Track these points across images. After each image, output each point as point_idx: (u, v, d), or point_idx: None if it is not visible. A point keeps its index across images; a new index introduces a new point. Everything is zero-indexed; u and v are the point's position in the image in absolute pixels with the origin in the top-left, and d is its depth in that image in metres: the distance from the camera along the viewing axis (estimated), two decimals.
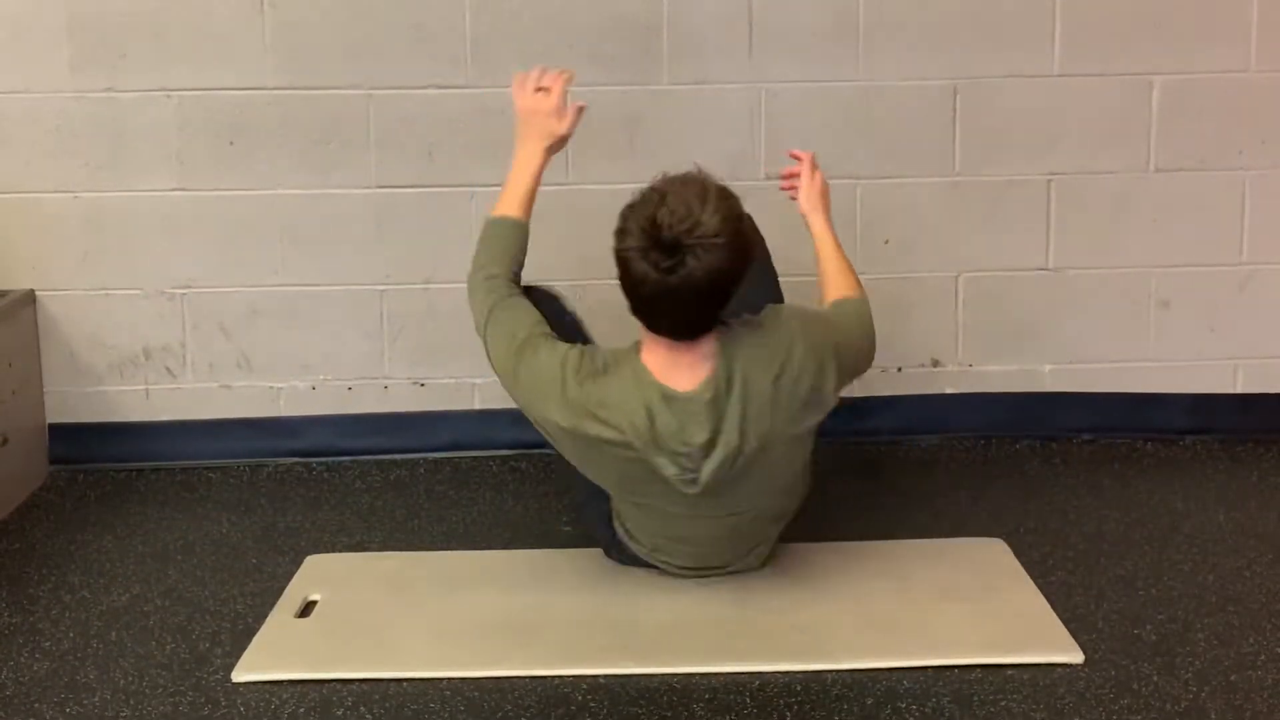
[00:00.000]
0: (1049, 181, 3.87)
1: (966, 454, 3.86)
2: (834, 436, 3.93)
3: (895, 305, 3.91)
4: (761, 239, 3.14)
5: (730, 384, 2.74)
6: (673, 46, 3.79)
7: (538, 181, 3.08)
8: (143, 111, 3.77)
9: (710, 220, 2.67)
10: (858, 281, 3.11)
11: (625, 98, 3.79)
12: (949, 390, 3.96)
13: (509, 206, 3.06)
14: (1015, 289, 3.91)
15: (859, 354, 3.01)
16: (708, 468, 2.76)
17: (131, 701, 2.63)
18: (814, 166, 3.24)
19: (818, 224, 3.21)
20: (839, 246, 3.18)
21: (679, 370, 2.76)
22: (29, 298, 3.81)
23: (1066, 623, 2.83)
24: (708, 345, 2.76)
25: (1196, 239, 3.91)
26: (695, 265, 2.66)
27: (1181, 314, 3.93)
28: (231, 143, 3.79)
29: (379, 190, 3.83)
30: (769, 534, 3.01)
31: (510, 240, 3.03)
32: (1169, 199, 3.88)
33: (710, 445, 2.74)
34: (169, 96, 3.77)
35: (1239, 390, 3.97)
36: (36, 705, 2.62)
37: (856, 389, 3.93)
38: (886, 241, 3.89)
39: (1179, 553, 3.20)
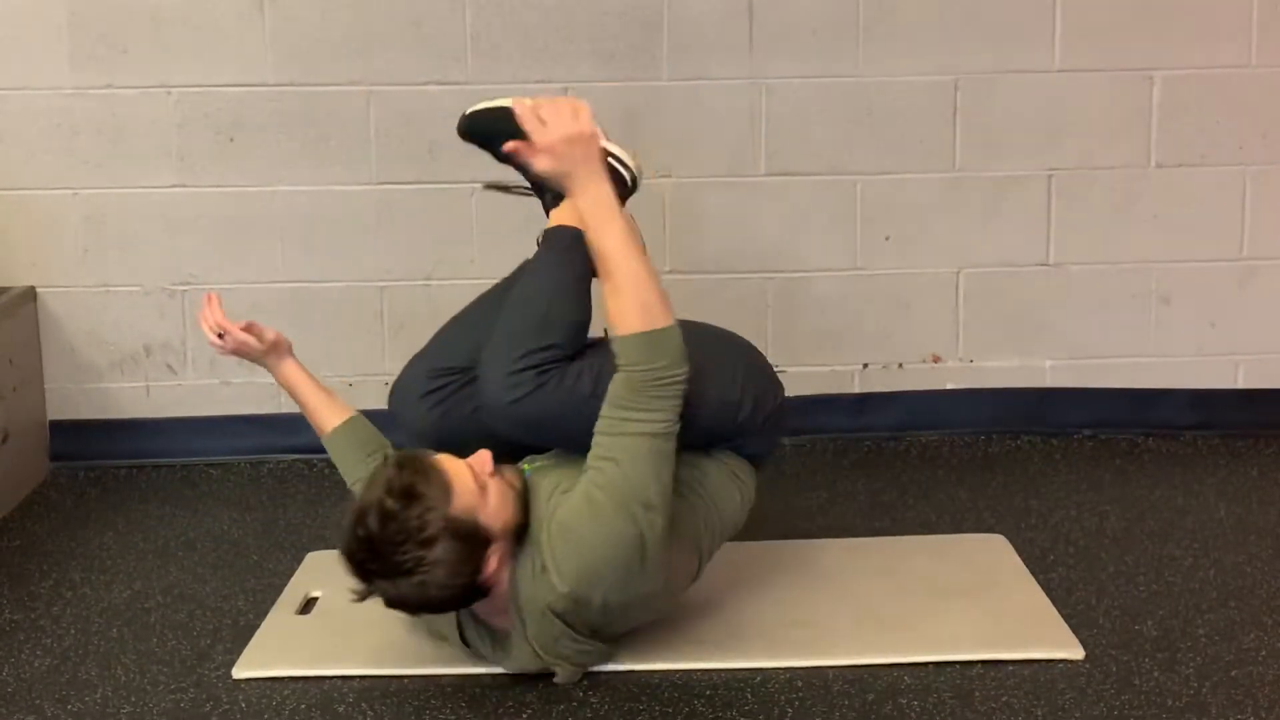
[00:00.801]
0: (1049, 177, 3.87)
1: (967, 450, 3.86)
2: (835, 432, 3.94)
3: (896, 301, 3.91)
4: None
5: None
6: (672, 42, 3.78)
7: None
8: (143, 108, 3.77)
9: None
10: (618, 303, 2.56)
11: (625, 94, 3.79)
12: (950, 386, 3.96)
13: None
14: (1016, 285, 3.91)
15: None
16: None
17: (133, 698, 2.63)
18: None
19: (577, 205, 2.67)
20: (620, 247, 2.61)
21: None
22: (29, 294, 3.81)
23: (1067, 618, 2.83)
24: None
25: (1197, 234, 3.90)
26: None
27: (1182, 309, 3.93)
28: (232, 139, 3.79)
29: (379, 187, 3.83)
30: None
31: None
32: (1170, 194, 3.88)
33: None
34: (169, 93, 3.77)
35: (1240, 386, 3.97)
36: (38, 702, 2.62)
37: (858, 385, 3.94)
38: (887, 238, 3.89)
39: (1180, 548, 3.20)
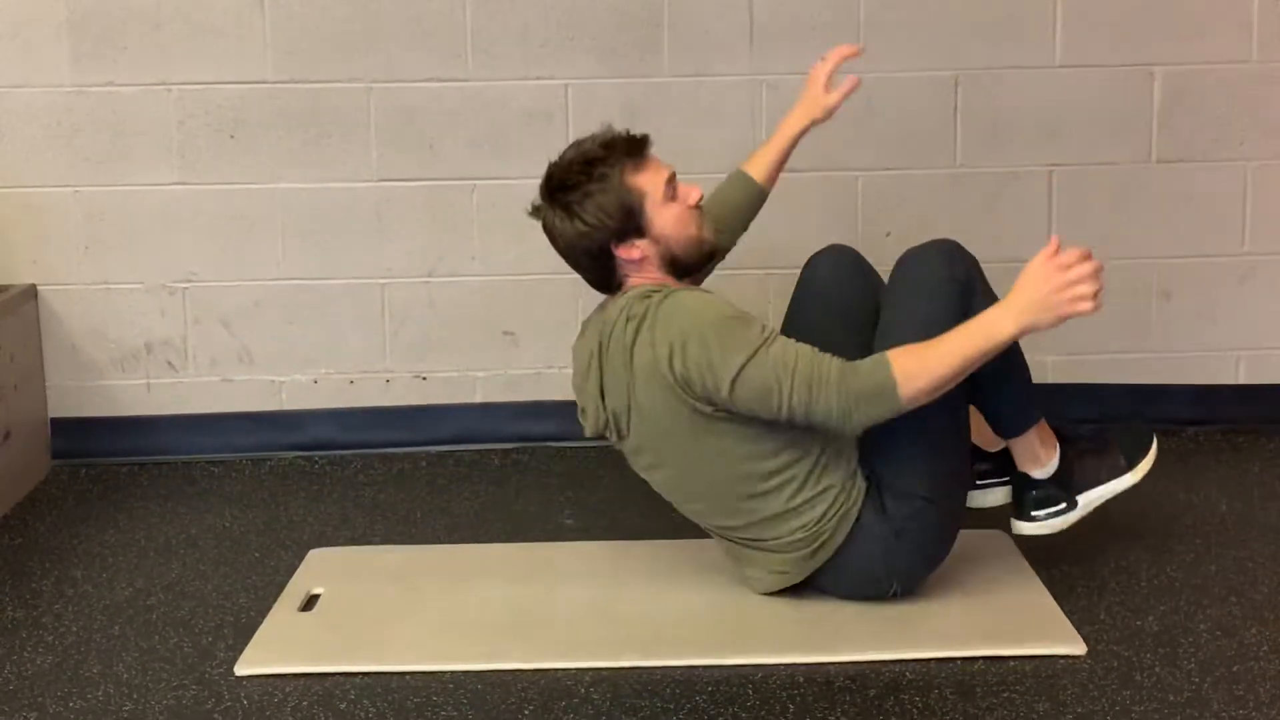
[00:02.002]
0: (1050, 173, 3.87)
1: None
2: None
3: None
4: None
5: (602, 345, 2.80)
6: (673, 39, 3.78)
7: None
8: (143, 105, 3.77)
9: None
10: (921, 366, 2.63)
11: (625, 90, 3.79)
12: None
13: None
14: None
15: (728, 375, 2.65)
16: (587, 422, 2.87)
17: (135, 695, 2.63)
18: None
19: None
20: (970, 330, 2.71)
21: (595, 323, 2.87)
22: (30, 292, 3.81)
23: (1069, 614, 2.83)
24: (615, 303, 2.82)
25: (1198, 230, 3.90)
26: (551, 222, 2.84)
27: (1183, 305, 3.93)
28: (232, 136, 3.79)
29: (380, 184, 3.83)
30: (730, 516, 2.83)
31: None
32: (1170, 190, 3.88)
33: (590, 396, 2.85)
34: (169, 90, 3.77)
35: (1241, 381, 3.97)
36: (40, 699, 2.62)
37: None
38: (888, 234, 3.88)
39: (1181, 544, 3.20)
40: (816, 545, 2.79)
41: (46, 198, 3.80)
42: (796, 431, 2.72)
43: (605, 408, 2.81)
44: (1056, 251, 2.66)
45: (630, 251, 2.80)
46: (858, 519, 2.78)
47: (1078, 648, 2.70)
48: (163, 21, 3.73)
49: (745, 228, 3.24)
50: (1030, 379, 2.95)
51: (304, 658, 2.73)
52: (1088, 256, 2.62)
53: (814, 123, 3.20)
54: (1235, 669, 2.63)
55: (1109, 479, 2.98)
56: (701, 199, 2.87)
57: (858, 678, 2.62)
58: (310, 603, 2.98)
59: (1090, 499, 2.98)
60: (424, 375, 3.90)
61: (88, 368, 3.88)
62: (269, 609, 2.94)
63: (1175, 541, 3.21)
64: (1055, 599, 2.89)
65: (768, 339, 2.67)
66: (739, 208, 3.21)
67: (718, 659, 2.69)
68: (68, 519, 3.50)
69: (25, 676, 2.71)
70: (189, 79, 3.76)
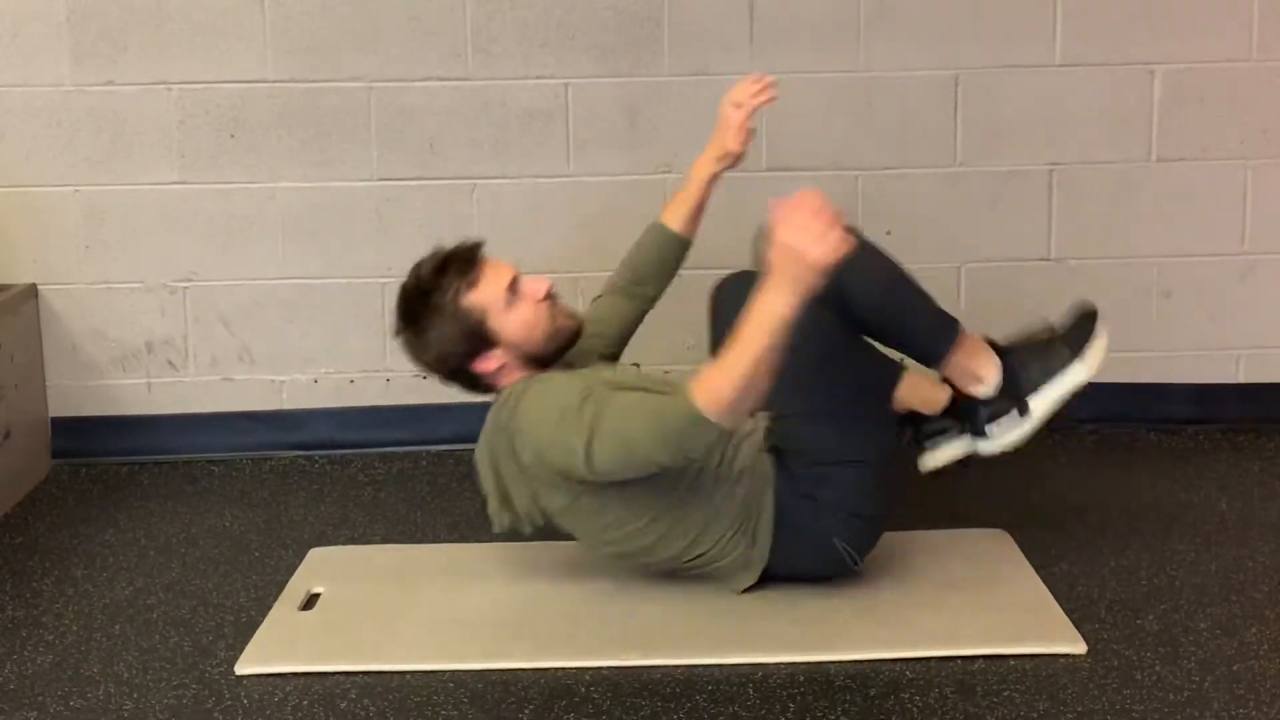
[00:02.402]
0: (1050, 172, 3.87)
1: None
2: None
3: None
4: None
5: (494, 454, 2.89)
6: (673, 37, 3.78)
7: None
8: (143, 105, 3.77)
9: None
10: (721, 377, 2.54)
11: (626, 89, 3.79)
12: None
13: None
14: (1017, 279, 3.91)
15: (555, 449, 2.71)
16: (503, 521, 2.93)
17: (135, 694, 2.63)
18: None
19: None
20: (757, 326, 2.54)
21: (484, 431, 2.93)
22: (30, 292, 3.81)
23: (1069, 613, 2.83)
24: (492, 410, 2.92)
25: (1198, 229, 3.90)
26: (407, 350, 2.93)
27: (1183, 304, 3.93)
28: (232, 136, 3.79)
29: (380, 183, 3.83)
30: (664, 550, 2.87)
31: None
32: (1171, 189, 3.88)
33: (496, 498, 2.92)
34: (169, 89, 3.77)
35: (1241, 380, 3.97)
36: (40, 698, 2.62)
37: None
38: (888, 232, 3.88)
39: (1181, 542, 3.20)
40: (750, 536, 2.83)
41: (47, 197, 3.80)
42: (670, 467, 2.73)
43: (517, 509, 2.87)
44: (785, 218, 2.53)
45: (487, 364, 2.85)
46: (777, 502, 2.80)
47: (1078, 647, 2.70)
48: (163, 21, 3.74)
49: (671, 276, 3.22)
50: (929, 303, 2.87)
51: (304, 657, 2.74)
52: (809, 200, 2.52)
53: (724, 168, 3.16)
54: (1236, 668, 2.63)
55: (1058, 373, 2.88)
56: (551, 290, 2.86)
57: (858, 677, 2.62)
58: (310, 602, 2.98)
59: (1043, 400, 2.88)
60: (424, 375, 3.89)
61: (88, 367, 3.88)
62: (269, 608, 2.94)
63: (1175, 540, 3.21)
64: (1055, 598, 2.89)
65: (600, 412, 2.66)
66: (659, 261, 3.20)
67: (718, 658, 2.69)
68: (68, 518, 3.50)
69: (26, 676, 2.71)
70: (189, 78, 3.76)
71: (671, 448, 2.63)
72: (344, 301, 3.87)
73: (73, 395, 3.88)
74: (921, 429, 2.95)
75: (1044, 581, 2.97)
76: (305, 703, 2.58)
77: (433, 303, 2.82)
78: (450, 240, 3.88)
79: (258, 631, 2.84)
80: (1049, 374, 2.88)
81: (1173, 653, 2.69)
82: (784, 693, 2.57)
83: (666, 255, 3.20)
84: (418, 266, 2.87)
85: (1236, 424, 3.92)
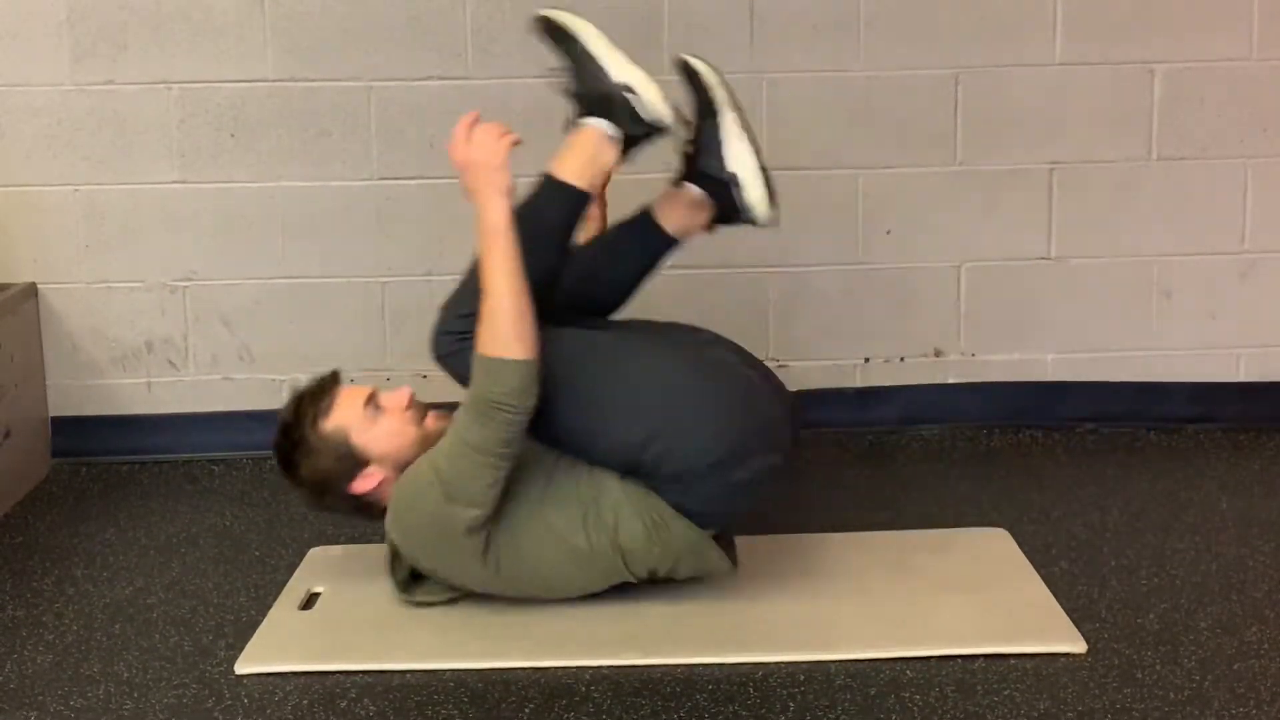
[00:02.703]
0: (1051, 170, 3.87)
1: (969, 443, 3.86)
2: (837, 426, 3.94)
3: (897, 295, 3.91)
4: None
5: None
6: (673, 36, 3.78)
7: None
8: (143, 104, 3.77)
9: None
10: (487, 314, 2.68)
11: None
12: (951, 380, 3.96)
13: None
14: (1017, 278, 3.91)
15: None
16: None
17: (135, 694, 2.63)
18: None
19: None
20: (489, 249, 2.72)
21: None
22: (30, 291, 3.81)
23: (1069, 612, 2.83)
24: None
25: (1198, 227, 3.90)
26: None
27: (1184, 302, 3.93)
28: (232, 135, 3.79)
29: (380, 182, 3.83)
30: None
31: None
32: (1171, 187, 3.88)
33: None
34: (169, 89, 3.77)
35: (1241, 379, 3.97)
36: (40, 698, 2.62)
37: (859, 379, 3.94)
38: (888, 231, 3.89)
39: (1182, 541, 3.20)
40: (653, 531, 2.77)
41: (47, 196, 3.80)
42: (550, 485, 2.75)
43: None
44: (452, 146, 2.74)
45: (366, 483, 2.82)
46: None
47: (1078, 646, 2.70)
48: (163, 20, 3.73)
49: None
50: (541, 211, 2.82)
51: (304, 656, 2.73)
52: (462, 121, 2.75)
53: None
54: (1236, 667, 2.63)
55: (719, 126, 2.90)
56: (412, 397, 2.86)
57: (858, 676, 2.62)
58: (310, 601, 2.98)
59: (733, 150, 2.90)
60: (424, 374, 3.88)
61: (88, 366, 3.88)
62: (269, 607, 2.94)
63: (1176, 539, 3.21)
64: (1055, 597, 2.89)
65: (436, 464, 2.70)
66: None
67: (718, 657, 2.69)
68: (68, 518, 3.50)
69: (26, 675, 2.71)
70: (189, 77, 3.76)
71: (499, 414, 2.63)
72: (344, 301, 3.87)
73: (73, 394, 3.88)
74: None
75: (1044, 580, 2.97)
76: (305, 702, 2.58)
77: (296, 440, 2.81)
78: (452, 237, 3.90)
79: (258, 631, 2.84)
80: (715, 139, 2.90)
81: (1173, 652, 2.69)
82: (784, 692, 2.57)
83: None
84: (283, 410, 2.86)
85: (1237, 423, 3.92)
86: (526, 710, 2.53)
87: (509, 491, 2.72)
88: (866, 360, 3.94)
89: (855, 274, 3.89)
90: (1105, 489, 3.52)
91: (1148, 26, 3.81)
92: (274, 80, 3.78)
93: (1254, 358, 3.96)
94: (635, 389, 2.74)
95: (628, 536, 2.74)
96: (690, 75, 2.92)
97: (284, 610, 2.93)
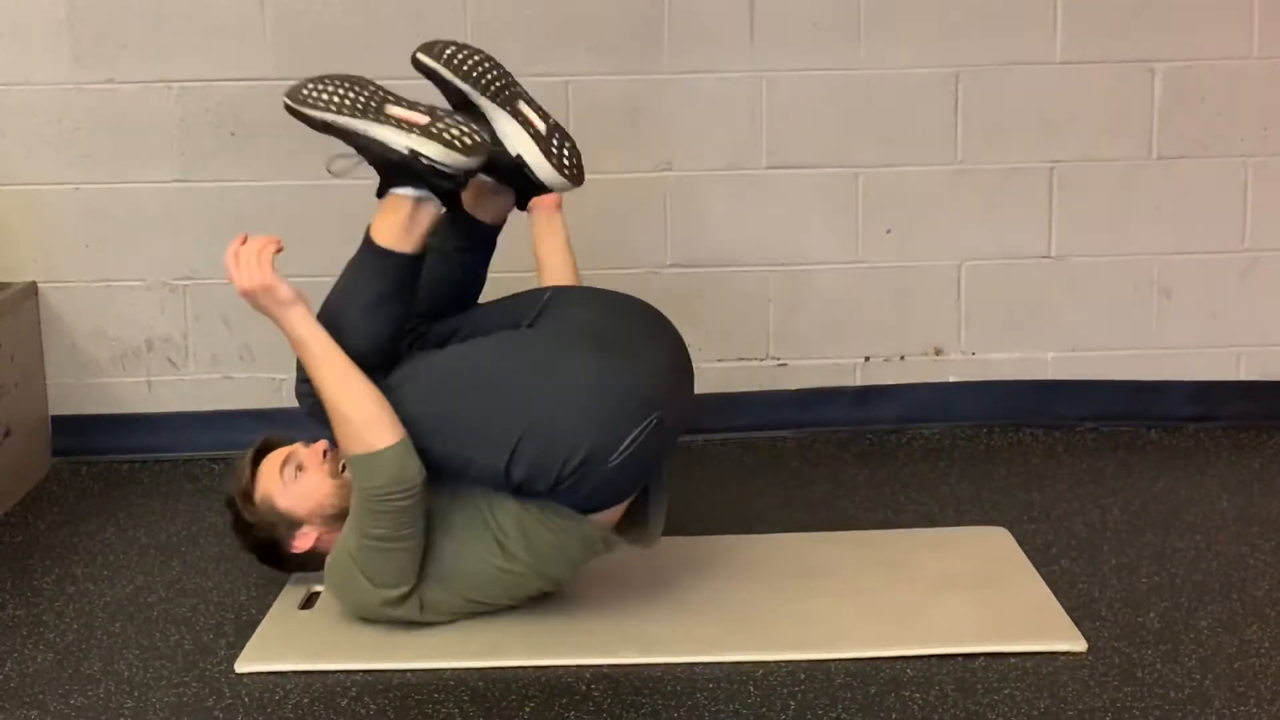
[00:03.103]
0: (1051, 169, 3.87)
1: (969, 442, 3.85)
2: (837, 425, 3.94)
3: (897, 294, 3.91)
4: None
5: None
6: (673, 35, 3.78)
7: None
8: (143, 103, 3.77)
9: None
10: (334, 412, 2.75)
11: (626, 87, 3.79)
12: (952, 379, 3.96)
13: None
14: (1018, 277, 3.91)
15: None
16: None
17: (135, 692, 2.63)
18: None
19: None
20: None
21: None
22: (30, 290, 3.81)
23: (1069, 611, 2.83)
24: None
25: (1199, 226, 3.90)
26: None
27: (1184, 301, 3.93)
28: (233, 134, 3.79)
29: None
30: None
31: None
32: (1171, 186, 3.88)
33: None
34: (170, 88, 3.77)
35: (1242, 377, 3.97)
36: (41, 697, 2.62)
37: (859, 378, 3.94)
38: (889, 230, 3.89)
39: (1182, 540, 3.20)
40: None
41: (47, 195, 3.80)
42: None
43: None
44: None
45: (304, 541, 2.85)
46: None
47: (1078, 644, 2.70)
48: (163, 19, 3.73)
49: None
50: (365, 284, 2.82)
51: (304, 655, 2.73)
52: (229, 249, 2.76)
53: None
54: (1236, 666, 2.63)
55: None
56: (326, 449, 2.84)
57: (858, 675, 2.62)
58: (311, 600, 2.97)
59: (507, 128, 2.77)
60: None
61: (88, 365, 3.88)
62: (269, 606, 2.94)
63: (1176, 538, 3.21)
64: (1056, 595, 2.89)
65: (356, 561, 2.71)
66: None
67: (718, 656, 2.69)
68: (68, 516, 3.50)
69: (26, 674, 2.71)
70: (189, 76, 3.76)
71: (388, 504, 2.64)
72: None
73: (73, 393, 3.88)
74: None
75: (1044, 579, 2.97)
76: (306, 701, 2.58)
77: (235, 515, 2.88)
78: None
79: (258, 629, 2.84)
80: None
81: (1173, 650, 2.69)
82: (784, 690, 2.57)
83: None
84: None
85: (1237, 422, 3.92)
86: (527, 709, 2.53)
87: (424, 546, 2.72)
88: (866, 359, 3.94)
89: (855, 273, 3.89)
90: (1105, 488, 3.52)
91: (1148, 25, 3.81)
92: (274, 79, 3.77)
93: (1254, 357, 3.96)
94: (483, 411, 2.68)
95: (541, 548, 2.72)
96: (428, 74, 2.83)
97: (284, 609, 2.93)
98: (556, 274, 3.15)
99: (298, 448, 2.87)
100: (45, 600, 3.03)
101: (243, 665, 2.71)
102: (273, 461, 2.87)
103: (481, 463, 2.69)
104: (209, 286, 3.85)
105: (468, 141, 2.64)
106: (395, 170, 2.72)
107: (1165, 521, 3.30)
